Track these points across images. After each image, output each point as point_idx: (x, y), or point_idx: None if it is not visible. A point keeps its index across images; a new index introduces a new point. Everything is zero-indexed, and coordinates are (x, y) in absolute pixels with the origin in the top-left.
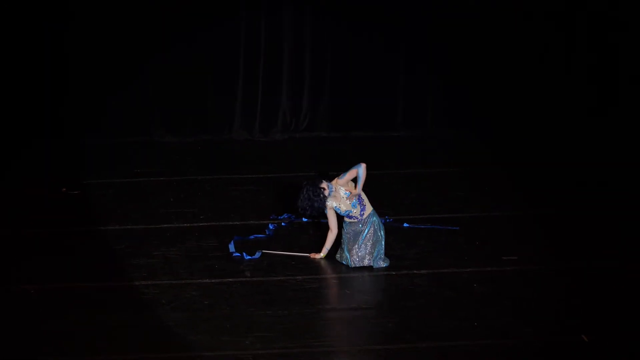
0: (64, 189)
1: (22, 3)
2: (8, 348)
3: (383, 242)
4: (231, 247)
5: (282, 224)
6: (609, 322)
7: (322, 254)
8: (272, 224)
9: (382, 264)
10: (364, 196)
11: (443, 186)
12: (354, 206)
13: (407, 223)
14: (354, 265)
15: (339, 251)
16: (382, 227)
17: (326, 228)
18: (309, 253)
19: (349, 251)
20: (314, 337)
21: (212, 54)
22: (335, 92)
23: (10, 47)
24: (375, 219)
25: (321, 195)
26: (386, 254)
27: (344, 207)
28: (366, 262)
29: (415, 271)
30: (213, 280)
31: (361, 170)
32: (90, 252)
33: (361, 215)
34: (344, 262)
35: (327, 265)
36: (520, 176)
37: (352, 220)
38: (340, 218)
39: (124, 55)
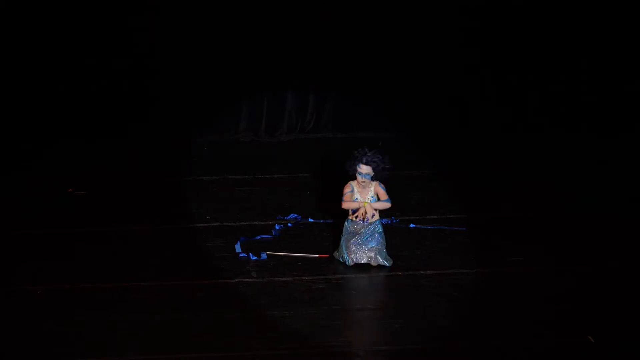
0: (70, 190)
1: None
2: (12, 348)
3: (383, 241)
4: (237, 248)
5: (289, 224)
6: (616, 323)
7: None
8: (278, 224)
9: (385, 262)
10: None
11: (449, 187)
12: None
13: (414, 224)
14: (351, 263)
15: (337, 250)
16: (382, 228)
17: (330, 229)
18: (316, 254)
19: (347, 249)
20: (320, 338)
21: (216, 53)
22: (341, 93)
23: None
24: (378, 223)
25: (380, 162)
26: (392, 255)
27: (360, 197)
28: (363, 261)
29: (421, 272)
30: (219, 281)
31: (387, 204)
32: (95, 253)
33: (367, 220)
34: (340, 260)
35: (333, 266)
36: (525, 178)
37: (356, 221)
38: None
39: (124, 54)
